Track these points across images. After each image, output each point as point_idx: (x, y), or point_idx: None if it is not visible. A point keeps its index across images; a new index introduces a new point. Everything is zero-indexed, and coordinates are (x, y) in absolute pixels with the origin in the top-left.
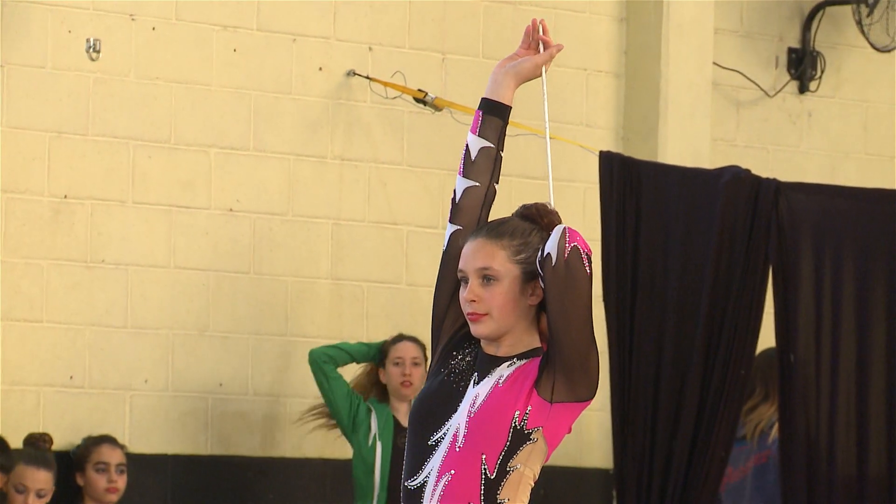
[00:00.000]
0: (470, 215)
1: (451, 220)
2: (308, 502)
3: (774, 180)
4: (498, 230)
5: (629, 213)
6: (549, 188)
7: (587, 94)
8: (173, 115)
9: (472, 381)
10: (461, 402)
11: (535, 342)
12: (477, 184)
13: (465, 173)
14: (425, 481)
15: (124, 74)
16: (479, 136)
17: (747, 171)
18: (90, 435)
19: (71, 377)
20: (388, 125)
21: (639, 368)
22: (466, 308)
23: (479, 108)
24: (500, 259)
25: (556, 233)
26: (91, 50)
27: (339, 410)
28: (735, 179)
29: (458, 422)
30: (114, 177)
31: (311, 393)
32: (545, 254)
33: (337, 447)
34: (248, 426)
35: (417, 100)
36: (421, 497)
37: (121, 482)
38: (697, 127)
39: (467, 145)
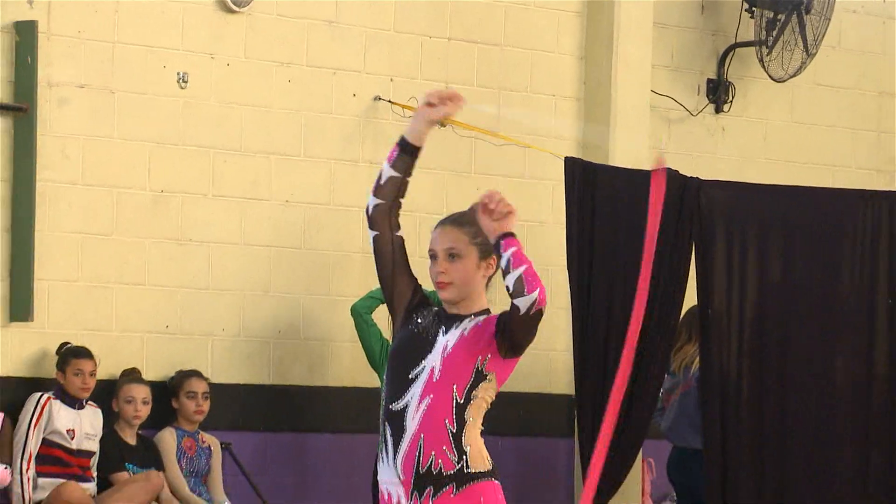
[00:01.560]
0: (382, 224)
1: (370, 228)
2: (346, 420)
3: (696, 178)
4: (460, 220)
5: (587, 204)
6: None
7: (556, 114)
8: (243, 130)
9: (440, 332)
10: (434, 346)
11: (485, 304)
12: (383, 202)
13: (375, 193)
14: (408, 403)
15: (206, 99)
16: (391, 167)
17: (676, 172)
18: (181, 369)
19: (167, 326)
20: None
21: (594, 321)
22: (435, 278)
23: (397, 143)
24: (462, 241)
25: (519, 284)
26: (181, 81)
27: (371, 349)
28: (667, 178)
29: (433, 361)
30: (198, 176)
31: (347, 337)
32: (512, 305)
33: (369, 379)
34: (300, 363)
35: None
36: (404, 415)
37: (206, 406)
38: (639, 138)
39: (381, 171)
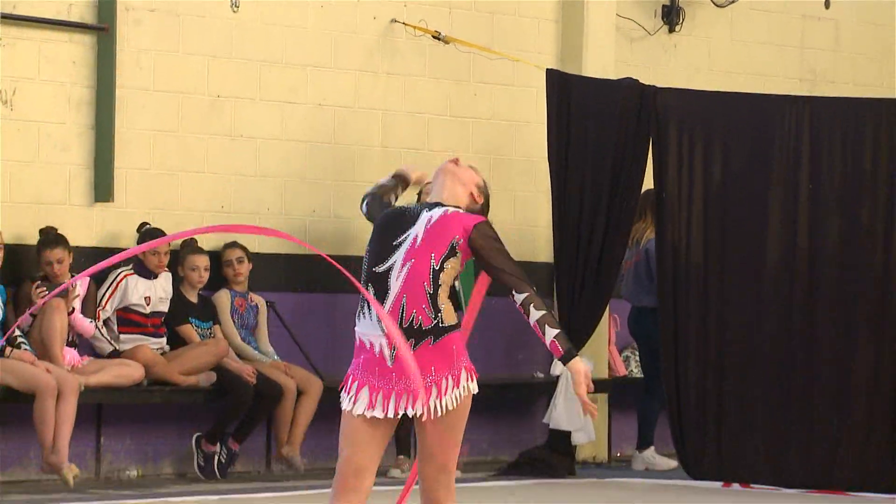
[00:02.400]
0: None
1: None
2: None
3: (653, 87)
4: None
5: (563, 108)
6: None
7: (539, 34)
8: (284, 46)
9: (424, 210)
10: (417, 220)
11: (462, 204)
12: (367, 212)
13: (366, 208)
14: (391, 266)
15: (253, 20)
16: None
17: (636, 81)
18: (234, 240)
19: (222, 206)
20: (417, 53)
21: (569, 203)
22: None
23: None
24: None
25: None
26: (233, 5)
27: None
28: (629, 86)
29: (417, 230)
30: (247, 83)
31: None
32: (518, 303)
33: None
34: (330, 235)
35: (434, 37)
36: (388, 277)
37: (241, 268)
38: (606, 54)
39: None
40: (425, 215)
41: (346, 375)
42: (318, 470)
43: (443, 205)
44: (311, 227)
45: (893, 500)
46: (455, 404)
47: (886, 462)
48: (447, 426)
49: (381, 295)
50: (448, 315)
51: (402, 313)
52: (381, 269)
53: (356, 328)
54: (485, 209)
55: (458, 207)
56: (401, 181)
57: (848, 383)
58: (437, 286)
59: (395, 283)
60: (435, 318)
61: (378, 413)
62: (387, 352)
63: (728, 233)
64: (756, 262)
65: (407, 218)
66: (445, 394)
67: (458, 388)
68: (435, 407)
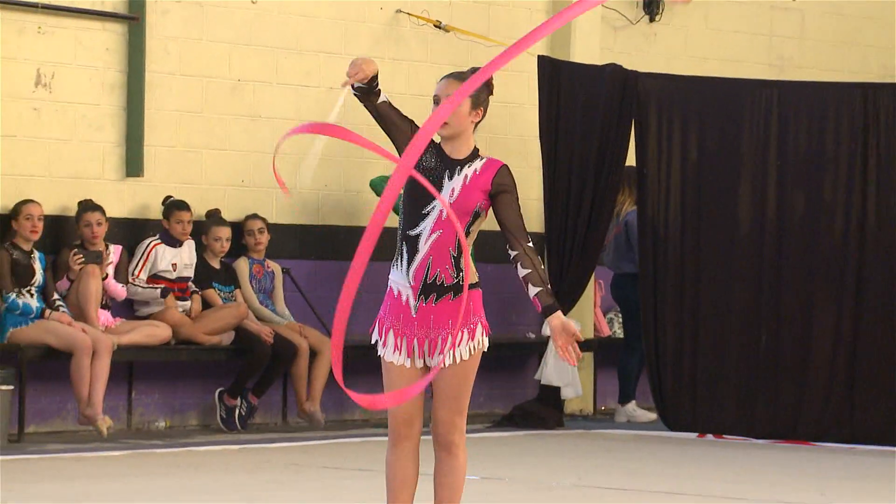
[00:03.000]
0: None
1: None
2: (375, 252)
3: (635, 71)
4: (460, 76)
5: (554, 91)
6: None
7: (530, 23)
8: (298, 34)
9: (445, 176)
10: (442, 190)
11: (474, 144)
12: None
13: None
14: (421, 232)
15: (271, 11)
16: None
17: (620, 66)
18: (253, 212)
19: (242, 181)
20: (419, 40)
21: (559, 179)
22: None
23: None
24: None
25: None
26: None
27: (396, 207)
28: (613, 71)
29: (443, 203)
30: (265, 69)
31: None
32: (518, 264)
33: (391, 221)
34: (340, 208)
35: (436, 26)
36: (418, 240)
37: (262, 238)
38: (592, 42)
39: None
40: (448, 185)
41: (376, 319)
42: (331, 422)
43: (459, 162)
44: (324, 199)
45: (852, 449)
46: (469, 355)
47: (845, 414)
48: (462, 375)
49: (412, 254)
50: (470, 274)
51: (427, 272)
52: (413, 232)
53: (390, 276)
54: (486, 98)
55: (474, 154)
56: (365, 90)
57: (810, 343)
58: (460, 250)
59: (424, 247)
60: (456, 277)
61: (405, 361)
62: (412, 302)
63: (703, 205)
64: (728, 231)
65: (436, 180)
66: (460, 345)
67: (472, 340)
68: (453, 356)
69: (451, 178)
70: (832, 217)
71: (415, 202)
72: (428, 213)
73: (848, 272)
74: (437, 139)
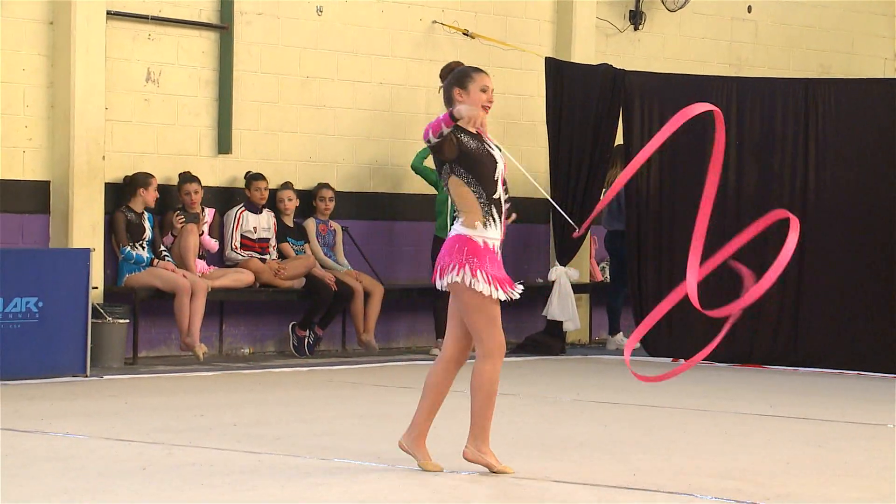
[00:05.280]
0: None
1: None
2: (417, 215)
3: (623, 70)
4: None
5: (559, 86)
6: None
7: (539, 31)
8: (355, 40)
9: (490, 147)
10: (496, 160)
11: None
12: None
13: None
14: (500, 195)
15: (333, 22)
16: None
17: (610, 66)
18: (318, 182)
19: (310, 157)
20: (451, 45)
21: (562, 157)
22: (486, 104)
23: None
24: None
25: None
26: (318, 11)
27: (430, 178)
28: (605, 70)
29: (500, 171)
30: (329, 68)
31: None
32: None
33: (428, 189)
34: (389, 179)
35: (464, 33)
36: (500, 202)
37: (331, 205)
38: (589, 46)
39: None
40: (497, 155)
41: (463, 266)
42: (382, 349)
43: (488, 140)
44: (374, 172)
45: (796, 371)
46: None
47: (791, 343)
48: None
49: (500, 213)
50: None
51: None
52: (495, 197)
53: (484, 234)
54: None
55: (486, 134)
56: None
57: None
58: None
59: (504, 206)
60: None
61: (502, 295)
62: (497, 251)
63: (676, 176)
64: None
65: (489, 157)
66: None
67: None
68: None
69: (491, 148)
70: (781, 185)
71: (485, 173)
72: (497, 180)
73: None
74: (463, 126)
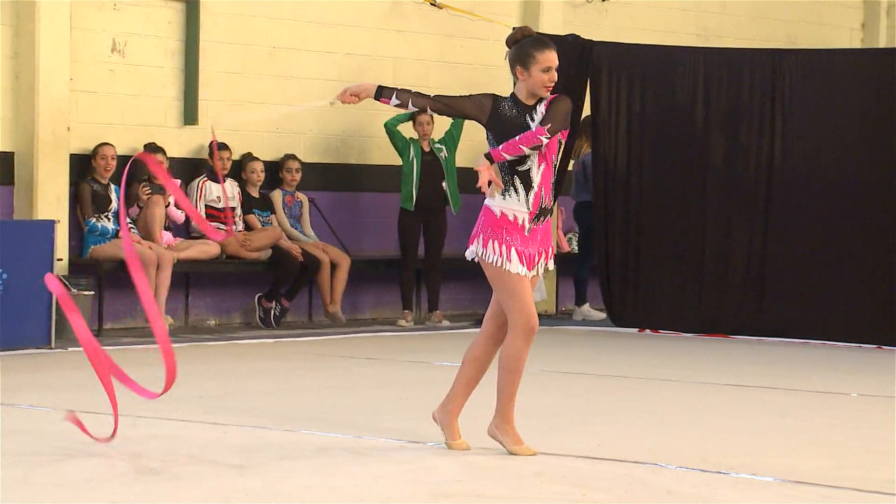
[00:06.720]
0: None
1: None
2: (381, 185)
3: (591, 41)
4: (550, 44)
5: None
6: None
7: (508, 1)
8: (323, 10)
9: (527, 119)
10: (532, 127)
11: (537, 94)
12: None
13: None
14: (530, 167)
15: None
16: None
17: (578, 37)
18: (285, 153)
19: (276, 128)
20: (419, 16)
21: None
22: (549, 84)
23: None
24: None
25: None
26: None
27: (397, 144)
28: (573, 41)
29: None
30: (295, 37)
31: (383, 135)
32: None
33: (395, 160)
34: (355, 149)
35: (432, 3)
36: (529, 174)
37: (297, 176)
38: (557, 16)
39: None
40: (532, 124)
41: (478, 236)
42: (348, 321)
43: (532, 106)
44: (342, 142)
45: (761, 341)
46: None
47: (754, 313)
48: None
49: (527, 186)
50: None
51: (542, 198)
52: (522, 168)
53: (503, 204)
54: (527, 59)
55: (541, 100)
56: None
57: (729, 256)
58: (555, 177)
59: (536, 178)
60: (553, 200)
61: (526, 271)
62: (527, 225)
63: (644, 148)
64: (663, 168)
65: (522, 128)
66: (551, 256)
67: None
68: (548, 265)
69: (532, 119)
70: (748, 156)
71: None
72: (527, 154)
73: (759, 199)
74: (512, 93)
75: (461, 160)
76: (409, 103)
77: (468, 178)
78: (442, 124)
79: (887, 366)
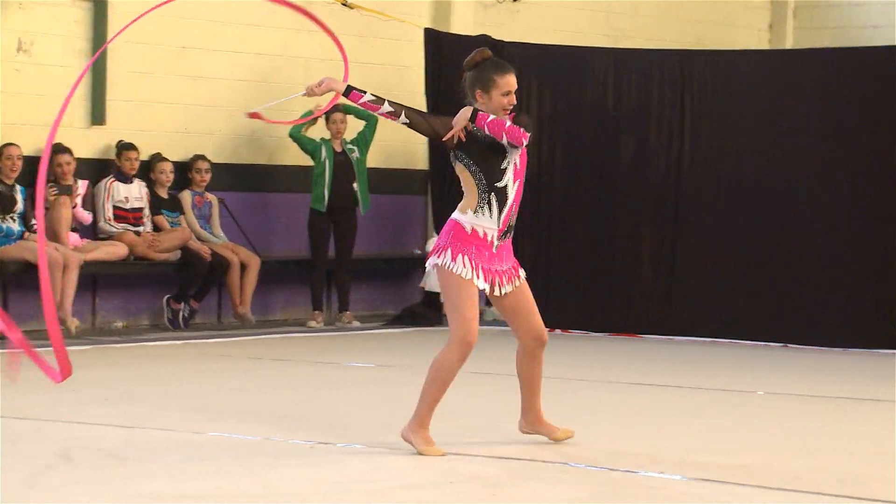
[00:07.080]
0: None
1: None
2: (291, 186)
3: (502, 41)
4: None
5: (436, 56)
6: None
7: (418, 2)
8: (233, 10)
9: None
10: (507, 150)
11: (508, 112)
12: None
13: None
14: (507, 184)
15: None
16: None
17: (489, 37)
18: (194, 154)
19: (186, 128)
20: (330, 15)
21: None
22: (508, 107)
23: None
24: None
25: (512, 141)
26: None
27: (305, 147)
28: (485, 41)
29: (513, 157)
30: (206, 38)
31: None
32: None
33: (305, 161)
34: (265, 149)
35: (343, 4)
36: (506, 191)
37: (207, 177)
38: (468, 17)
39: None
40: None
41: (446, 249)
42: (257, 322)
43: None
44: (250, 143)
45: (669, 340)
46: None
47: (663, 311)
48: (529, 290)
49: (502, 202)
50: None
51: (512, 215)
52: (499, 185)
53: (474, 220)
54: (486, 81)
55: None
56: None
57: (638, 257)
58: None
59: (511, 194)
60: (516, 219)
61: (486, 287)
62: (495, 241)
63: (556, 148)
64: (574, 170)
65: (498, 145)
66: (518, 278)
67: (519, 267)
68: (518, 279)
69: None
70: (657, 158)
71: (492, 160)
72: (506, 168)
73: (668, 201)
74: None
75: (372, 161)
76: (385, 105)
77: (379, 178)
78: (354, 125)
79: (793, 364)
